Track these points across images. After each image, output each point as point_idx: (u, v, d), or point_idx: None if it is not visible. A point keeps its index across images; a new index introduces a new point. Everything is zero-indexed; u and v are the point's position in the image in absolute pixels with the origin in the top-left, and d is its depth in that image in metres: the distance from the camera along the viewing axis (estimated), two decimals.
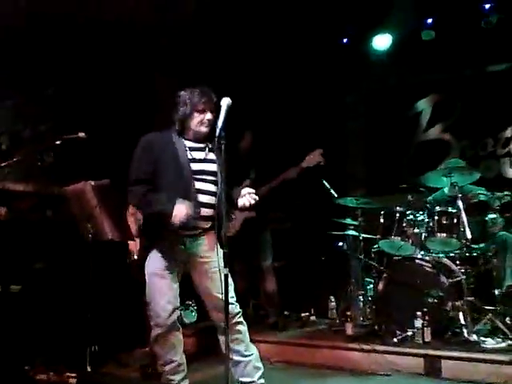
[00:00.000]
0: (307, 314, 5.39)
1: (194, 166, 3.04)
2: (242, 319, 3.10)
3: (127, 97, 5.03)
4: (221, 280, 2.71)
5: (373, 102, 6.48)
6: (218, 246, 3.05)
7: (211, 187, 3.06)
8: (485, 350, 3.81)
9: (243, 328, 3.10)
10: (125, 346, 4.23)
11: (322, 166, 4.78)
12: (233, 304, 3.03)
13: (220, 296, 2.83)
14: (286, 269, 5.45)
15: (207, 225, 3.06)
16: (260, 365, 3.12)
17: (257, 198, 3.06)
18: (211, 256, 3.06)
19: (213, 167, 3.08)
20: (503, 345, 3.86)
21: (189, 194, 2.97)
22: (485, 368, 3.65)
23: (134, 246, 3.82)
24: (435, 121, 6.24)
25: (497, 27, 5.59)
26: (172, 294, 3.04)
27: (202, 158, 3.09)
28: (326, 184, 4.93)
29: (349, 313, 4.50)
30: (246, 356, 3.06)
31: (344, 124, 6.41)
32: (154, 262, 3.03)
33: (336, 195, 4.93)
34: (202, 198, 3.02)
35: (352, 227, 4.89)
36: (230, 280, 3.00)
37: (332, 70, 6.16)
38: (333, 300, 5.06)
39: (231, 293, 3.02)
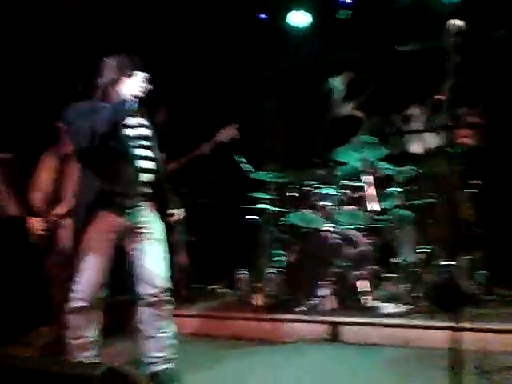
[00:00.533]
0: (219, 286, 5.47)
1: (129, 132, 2.97)
2: (170, 298, 3.03)
3: (33, 70, 4.78)
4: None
5: (289, 78, 6.54)
6: (157, 217, 3.02)
7: (148, 153, 3.01)
8: (386, 315, 4.03)
9: (169, 306, 3.03)
10: (28, 325, 4.11)
11: (237, 140, 4.81)
12: (165, 279, 2.99)
13: (152, 269, 2.83)
14: (199, 242, 5.47)
15: (147, 190, 3.01)
16: (175, 342, 3.07)
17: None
18: (149, 227, 3.00)
19: (147, 132, 3.04)
20: (402, 310, 4.08)
21: (128, 159, 2.91)
22: (386, 332, 3.87)
23: (36, 221, 3.68)
24: (348, 97, 6.40)
25: (409, 8, 5.79)
26: (103, 269, 2.92)
27: (136, 123, 3.02)
28: (240, 159, 4.96)
29: (259, 284, 4.60)
30: (162, 332, 3.00)
31: (260, 99, 6.44)
32: (88, 233, 2.87)
33: (252, 170, 4.98)
34: (141, 164, 2.96)
35: (265, 201, 4.97)
36: (166, 254, 3.03)
37: (249, 46, 6.15)
38: (244, 272, 5.13)
39: (166, 267, 3.00)
